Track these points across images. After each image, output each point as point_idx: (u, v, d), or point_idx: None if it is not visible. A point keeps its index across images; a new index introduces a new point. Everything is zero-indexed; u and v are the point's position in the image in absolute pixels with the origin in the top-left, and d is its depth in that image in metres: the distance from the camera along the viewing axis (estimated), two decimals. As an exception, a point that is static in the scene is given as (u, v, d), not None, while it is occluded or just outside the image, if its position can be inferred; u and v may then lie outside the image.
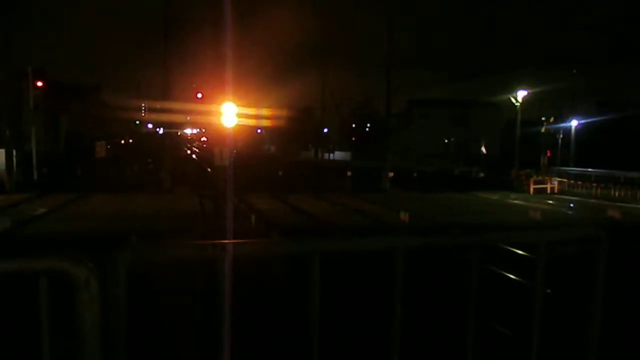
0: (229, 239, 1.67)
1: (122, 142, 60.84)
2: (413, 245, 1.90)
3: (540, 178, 28.00)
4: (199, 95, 40.90)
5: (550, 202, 22.80)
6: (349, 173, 31.06)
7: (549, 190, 26.90)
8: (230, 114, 14.42)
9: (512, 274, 7.79)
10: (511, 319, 6.23)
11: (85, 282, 1.18)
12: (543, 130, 36.39)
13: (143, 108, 62.32)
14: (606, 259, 2.16)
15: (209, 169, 29.13)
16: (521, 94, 30.11)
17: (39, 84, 29.61)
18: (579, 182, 28.03)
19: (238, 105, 21.67)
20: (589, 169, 34.14)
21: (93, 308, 1.18)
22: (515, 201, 22.84)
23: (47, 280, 1.21)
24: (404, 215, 15.48)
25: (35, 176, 26.04)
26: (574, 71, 43.33)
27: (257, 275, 8.32)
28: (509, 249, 5.98)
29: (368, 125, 67.21)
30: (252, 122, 32.15)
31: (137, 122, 71.32)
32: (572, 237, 2.39)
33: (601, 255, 2.15)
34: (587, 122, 43.86)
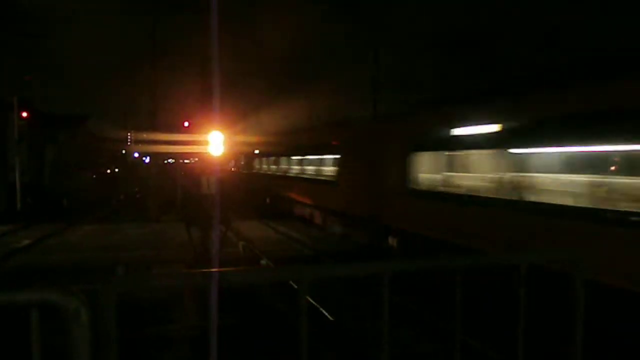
0: (215, 268, 1.70)
1: (109, 171, 60.48)
2: (399, 271, 1.94)
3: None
4: (186, 124, 41.07)
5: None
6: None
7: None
8: (217, 143, 14.50)
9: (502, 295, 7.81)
10: (499, 338, 6.24)
11: (76, 313, 1.20)
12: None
13: (129, 137, 62.24)
14: (584, 280, 2.22)
15: (196, 198, 29.01)
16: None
17: (24, 114, 29.52)
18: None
19: (225, 133, 21.74)
20: None
21: (84, 337, 1.20)
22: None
23: (38, 312, 1.23)
24: (392, 240, 15.50)
25: (19, 207, 25.73)
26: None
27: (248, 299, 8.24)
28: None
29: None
30: (239, 148, 32.26)
31: (124, 151, 71.05)
32: (553, 259, 2.45)
33: (579, 276, 2.21)
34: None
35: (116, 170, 63.92)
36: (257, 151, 31.20)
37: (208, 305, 1.63)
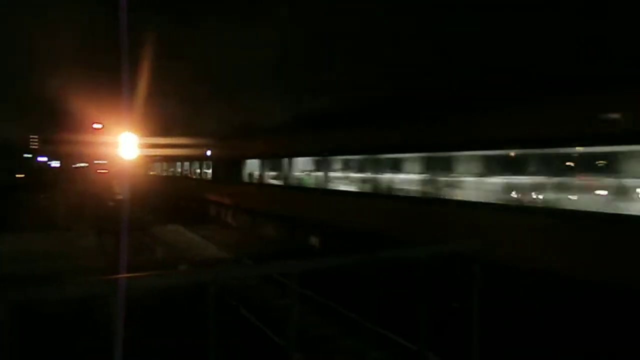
0: (122, 274, 1.66)
1: (10, 177, 56.06)
2: (307, 269, 2.00)
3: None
4: (99, 126, 38.98)
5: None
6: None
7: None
8: (131, 145, 13.84)
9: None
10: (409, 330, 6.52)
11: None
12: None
13: (34, 140, 58.17)
14: (481, 272, 2.40)
15: (109, 203, 27.69)
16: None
17: None
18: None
19: (142, 136, 20.90)
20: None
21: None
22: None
23: None
24: (314, 241, 15.73)
25: None
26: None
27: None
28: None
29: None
30: (158, 152, 31.15)
31: (30, 155, 66.22)
32: (454, 252, 2.62)
33: (478, 264, 2.38)
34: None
35: (20, 175, 59.42)
36: (176, 155, 30.50)
37: (113, 314, 1.59)
